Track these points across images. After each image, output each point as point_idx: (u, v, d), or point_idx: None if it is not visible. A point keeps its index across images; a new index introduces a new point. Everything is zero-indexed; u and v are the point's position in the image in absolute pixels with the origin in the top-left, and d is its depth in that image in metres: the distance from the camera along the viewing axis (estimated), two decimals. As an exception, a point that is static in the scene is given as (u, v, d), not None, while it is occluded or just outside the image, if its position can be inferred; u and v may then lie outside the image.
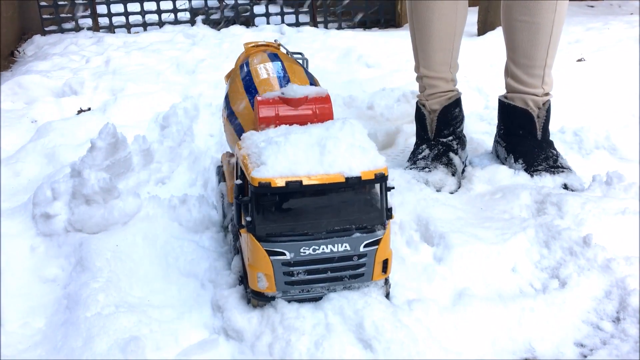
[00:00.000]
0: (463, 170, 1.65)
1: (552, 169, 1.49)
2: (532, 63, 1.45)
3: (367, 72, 3.25)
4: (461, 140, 1.59)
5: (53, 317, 1.35)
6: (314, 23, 4.48)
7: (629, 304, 1.22)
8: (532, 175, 1.52)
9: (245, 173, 1.13)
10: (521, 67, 1.47)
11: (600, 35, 3.65)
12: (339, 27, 4.47)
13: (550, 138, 1.78)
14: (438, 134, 1.56)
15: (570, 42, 3.58)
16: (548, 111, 1.51)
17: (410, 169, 1.52)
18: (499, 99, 1.59)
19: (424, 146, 1.56)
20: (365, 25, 4.55)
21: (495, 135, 1.65)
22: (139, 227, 1.58)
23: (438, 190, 1.59)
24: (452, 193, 1.53)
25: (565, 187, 1.46)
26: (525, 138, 1.52)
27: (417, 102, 1.66)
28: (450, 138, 1.55)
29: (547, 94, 1.50)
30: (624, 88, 2.62)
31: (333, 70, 3.25)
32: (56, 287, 1.45)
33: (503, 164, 1.62)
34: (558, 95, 2.51)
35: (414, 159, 1.57)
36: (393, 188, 1.17)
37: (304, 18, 4.52)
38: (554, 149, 1.56)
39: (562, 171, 1.50)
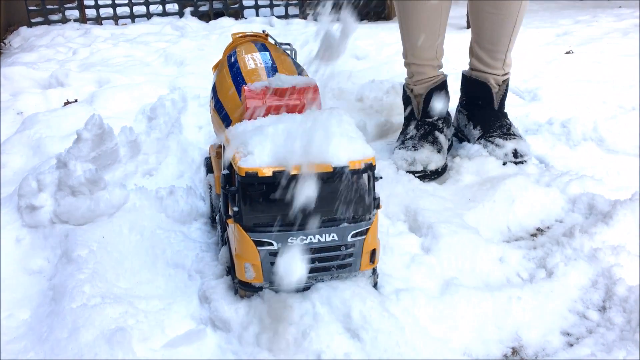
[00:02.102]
0: (450, 147, 1.71)
1: (505, 136, 1.64)
2: (496, 48, 1.58)
3: (356, 64, 3.24)
4: (446, 119, 1.67)
5: (38, 308, 1.33)
6: (303, 15, 4.46)
7: (614, 293, 1.23)
8: (487, 140, 1.67)
9: (232, 163, 1.13)
10: (486, 51, 1.61)
11: (588, 28, 3.67)
12: (329, 20, 4.44)
13: (534, 127, 1.98)
14: (425, 115, 1.63)
15: (558, 35, 3.60)
16: (506, 87, 1.65)
17: (399, 148, 1.59)
18: (463, 74, 1.73)
19: (411, 126, 1.64)
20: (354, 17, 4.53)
21: (458, 105, 1.79)
22: (126, 219, 1.57)
23: (425, 167, 1.63)
24: (438, 169, 1.56)
25: (515, 151, 1.63)
26: (484, 108, 1.67)
27: (404, 86, 1.72)
28: (436, 118, 1.63)
29: (506, 74, 1.65)
30: (612, 80, 2.63)
31: (322, 63, 3.23)
32: (42, 279, 1.44)
33: (462, 130, 1.77)
34: (546, 87, 2.52)
35: (402, 139, 1.65)
36: (381, 178, 1.17)
37: (293, 10, 4.49)
38: (508, 119, 1.71)
39: (514, 138, 1.65)
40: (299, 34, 3.78)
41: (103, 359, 1.12)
